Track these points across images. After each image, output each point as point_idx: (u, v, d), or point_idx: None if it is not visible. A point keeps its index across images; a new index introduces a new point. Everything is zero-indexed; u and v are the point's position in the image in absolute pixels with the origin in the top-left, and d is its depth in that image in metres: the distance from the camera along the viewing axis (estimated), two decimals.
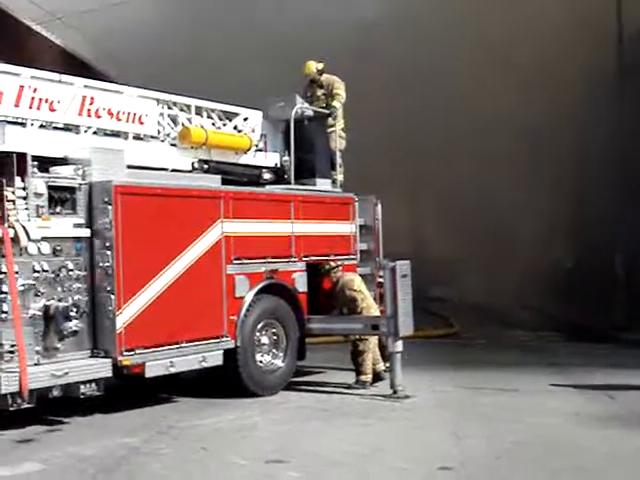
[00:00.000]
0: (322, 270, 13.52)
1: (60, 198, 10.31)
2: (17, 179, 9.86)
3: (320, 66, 14.83)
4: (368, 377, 12.84)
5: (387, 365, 13.52)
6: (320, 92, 14.80)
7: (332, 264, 13.52)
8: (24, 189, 9.92)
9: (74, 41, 25.43)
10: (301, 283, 13.00)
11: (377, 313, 12.99)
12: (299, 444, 9.41)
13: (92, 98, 11.34)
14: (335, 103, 14.55)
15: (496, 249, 34.33)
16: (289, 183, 13.57)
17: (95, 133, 11.43)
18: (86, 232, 10.46)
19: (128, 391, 12.33)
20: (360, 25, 30.23)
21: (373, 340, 12.97)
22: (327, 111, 14.51)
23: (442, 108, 30.63)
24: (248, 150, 13.31)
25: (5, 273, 9.55)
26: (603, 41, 24.17)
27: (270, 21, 30.86)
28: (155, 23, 31.26)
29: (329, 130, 14.51)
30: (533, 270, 32.34)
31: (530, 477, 8.17)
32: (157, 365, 10.84)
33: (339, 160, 14.59)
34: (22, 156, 9.94)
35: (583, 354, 16.85)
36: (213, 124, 13.06)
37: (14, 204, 9.80)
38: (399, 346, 12.03)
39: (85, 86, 11.34)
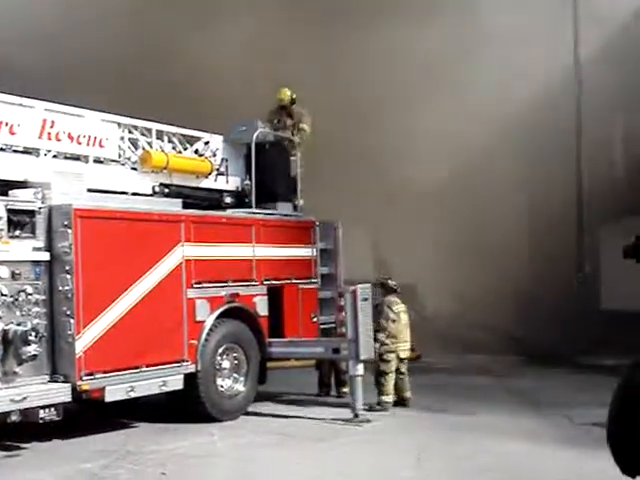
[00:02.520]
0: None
1: (19, 221, 10.24)
2: None
3: (294, 95, 14.97)
4: (389, 398, 12.99)
5: (345, 390, 13.61)
6: (289, 122, 14.90)
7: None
8: None
9: None
10: (262, 307, 13.00)
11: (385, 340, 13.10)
12: (260, 469, 9.39)
13: (52, 121, 11.32)
14: (296, 138, 14.65)
15: (458, 272, 34.54)
16: (250, 207, 13.59)
17: (55, 156, 11.40)
18: (45, 256, 10.40)
19: (87, 416, 12.20)
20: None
21: (394, 362, 13.08)
22: (288, 136, 14.60)
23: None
24: (209, 174, 13.33)
25: None
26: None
27: None
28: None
29: (291, 156, 14.58)
30: (496, 293, 32.54)
31: None
32: (117, 390, 10.76)
33: (299, 185, 14.65)
34: None
35: (544, 378, 16.94)
36: (174, 148, 13.07)
37: None
38: (360, 369, 12.05)
39: (45, 109, 11.31)
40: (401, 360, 13.37)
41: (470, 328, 29.91)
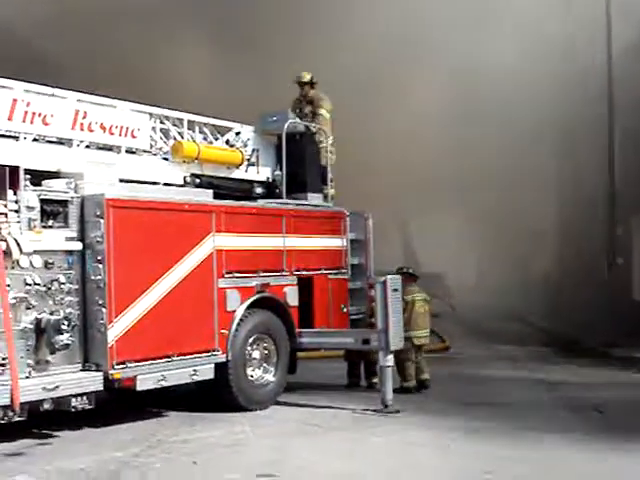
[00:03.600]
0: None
1: (52, 211, 10.33)
2: (9, 192, 9.90)
3: (314, 79, 14.93)
4: (410, 383, 13.46)
5: (375, 380, 13.65)
6: (307, 109, 14.87)
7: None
8: (16, 202, 9.95)
9: None
10: (292, 297, 13.02)
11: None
12: (291, 459, 9.42)
13: (85, 112, 11.37)
14: (315, 124, 14.60)
15: (487, 263, 34.43)
16: (281, 197, 13.60)
17: (88, 147, 11.46)
18: (78, 245, 10.48)
19: (119, 405, 12.30)
20: None
21: (411, 349, 13.49)
22: (317, 126, 14.57)
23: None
24: (240, 165, 13.34)
25: None
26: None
27: None
28: None
29: (319, 145, 14.57)
30: (526, 283, 32.40)
31: None
32: (148, 378, 10.83)
33: (330, 175, 14.64)
34: (15, 169, 9.97)
35: (572, 369, 16.88)
36: (205, 138, 13.11)
37: (6, 217, 9.83)
38: (390, 360, 12.06)
39: (78, 100, 11.37)
40: (418, 348, 13.49)
41: (499, 319, 29.85)
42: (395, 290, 12.18)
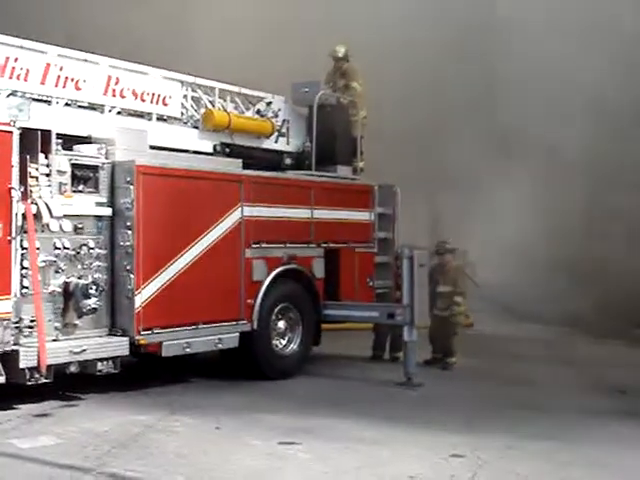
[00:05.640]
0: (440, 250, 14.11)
1: (83, 176, 10.39)
2: (41, 156, 9.94)
3: (348, 52, 14.87)
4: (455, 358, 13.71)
5: (399, 354, 13.70)
6: (341, 82, 14.83)
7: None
8: (47, 166, 10.00)
9: None
10: (319, 269, 13.05)
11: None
12: (312, 428, 9.45)
13: (117, 78, 11.43)
14: (347, 97, 14.55)
15: (513, 239, 34.01)
16: (310, 169, 13.60)
17: (119, 113, 11.51)
18: (107, 211, 10.55)
19: (144, 370, 12.42)
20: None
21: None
22: (349, 99, 14.54)
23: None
24: (270, 135, 13.36)
25: (27, 249, 9.65)
26: None
27: None
28: None
29: (351, 118, 14.53)
30: (553, 264, 32.03)
31: (540, 469, 8.19)
32: (173, 345, 10.93)
33: (360, 148, 14.61)
34: (46, 133, 10.01)
35: (598, 350, 16.82)
36: (236, 108, 13.11)
37: (37, 181, 9.89)
38: (414, 335, 12.08)
39: (110, 66, 11.42)
40: None
41: (524, 297, 29.65)
42: (421, 265, 12.17)
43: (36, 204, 9.78)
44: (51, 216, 9.89)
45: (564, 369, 14.03)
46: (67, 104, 10.93)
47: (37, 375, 9.58)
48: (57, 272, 10.03)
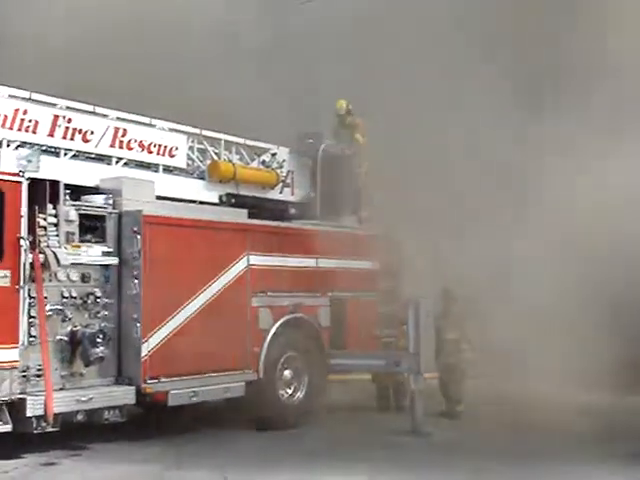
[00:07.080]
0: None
1: (90, 226, 10.52)
2: (49, 206, 10.06)
3: (350, 106, 15.06)
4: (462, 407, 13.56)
5: (405, 403, 13.63)
6: (345, 134, 14.98)
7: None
8: (56, 216, 10.12)
9: None
10: (325, 318, 13.09)
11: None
12: (319, 476, 9.41)
13: (124, 130, 11.60)
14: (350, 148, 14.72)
15: None
16: (315, 219, 13.70)
17: (126, 164, 11.66)
18: (114, 260, 10.64)
19: (149, 418, 12.38)
20: None
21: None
22: (353, 150, 14.68)
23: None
24: (275, 185, 13.50)
25: (34, 297, 9.71)
26: None
27: None
28: None
29: (354, 169, 14.67)
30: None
31: None
32: (180, 394, 10.94)
33: (364, 198, 14.72)
34: (55, 184, 10.14)
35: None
36: (241, 159, 13.27)
37: (45, 230, 10.00)
38: (421, 383, 12.06)
39: (118, 118, 11.59)
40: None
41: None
42: (427, 312, 12.20)
43: (44, 253, 9.87)
44: (59, 265, 9.97)
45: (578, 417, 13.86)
46: (75, 155, 11.07)
47: (44, 423, 9.60)
48: (64, 321, 10.09)
